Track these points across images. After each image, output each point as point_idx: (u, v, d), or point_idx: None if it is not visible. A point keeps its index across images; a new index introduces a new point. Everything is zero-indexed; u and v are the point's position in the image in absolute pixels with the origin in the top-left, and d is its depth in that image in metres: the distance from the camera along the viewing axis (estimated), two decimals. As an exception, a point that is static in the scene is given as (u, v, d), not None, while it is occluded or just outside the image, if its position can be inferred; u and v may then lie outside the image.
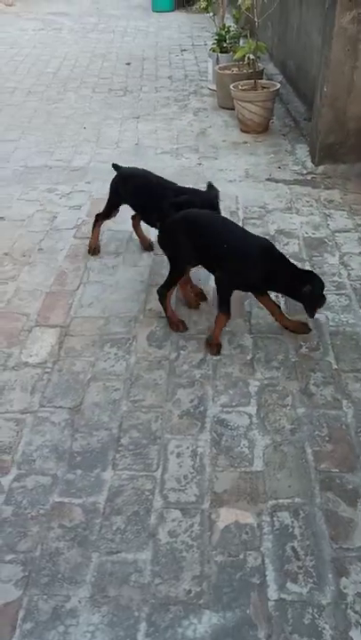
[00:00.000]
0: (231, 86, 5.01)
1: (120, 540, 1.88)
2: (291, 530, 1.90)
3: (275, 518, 1.94)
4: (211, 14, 6.14)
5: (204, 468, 2.12)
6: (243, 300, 2.99)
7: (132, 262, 3.29)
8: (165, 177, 3.25)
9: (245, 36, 5.55)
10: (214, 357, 2.63)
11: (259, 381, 2.49)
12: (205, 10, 6.01)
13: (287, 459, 2.14)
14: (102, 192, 4.08)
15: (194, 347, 2.70)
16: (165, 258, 2.83)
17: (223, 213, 3.79)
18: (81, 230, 3.66)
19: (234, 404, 2.39)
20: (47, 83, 6.55)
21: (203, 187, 4.14)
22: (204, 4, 5.88)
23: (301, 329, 2.75)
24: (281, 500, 1.99)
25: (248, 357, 2.63)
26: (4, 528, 1.93)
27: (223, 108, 5.60)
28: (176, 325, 2.80)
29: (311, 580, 1.76)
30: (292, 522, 1.92)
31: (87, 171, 4.49)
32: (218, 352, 2.64)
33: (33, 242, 3.56)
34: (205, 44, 7.72)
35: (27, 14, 10.19)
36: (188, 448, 2.20)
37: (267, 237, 3.50)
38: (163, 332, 2.80)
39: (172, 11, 10.22)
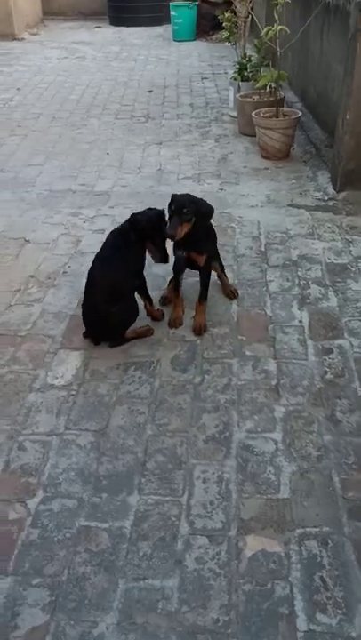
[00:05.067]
0: (253, 113, 5.08)
1: (147, 567, 1.87)
2: (319, 559, 1.88)
3: (303, 547, 1.92)
4: (232, 44, 6.26)
5: (230, 495, 2.11)
6: (266, 324, 3.00)
7: (157, 286, 3.31)
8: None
9: (267, 65, 5.65)
10: (239, 382, 2.63)
11: (284, 407, 2.49)
12: (227, 39, 6.12)
13: (314, 486, 2.13)
14: (125, 216, 4.14)
15: (218, 371, 2.70)
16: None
17: (245, 239, 3.86)
18: (105, 254, 3.69)
19: (259, 429, 2.38)
20: (71, 109, 6.69)
21: (225, 212, 4.23)
22: (225, 35, 6.00)
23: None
24: (308, 529, 1.97)
25: (273, 383, 2.63)
26: (30, 551, 1.93)
27: (244, 134, 5.67)
28: (147, 330, 2.97)
29: (341, 612, 1.74)
30: (321, 551, 1.90)
31: (110, 195, 4.55)
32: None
33: (58, 265, 3.61)
34: (226, 73, 7.85)
35: (51, 43, 10.45)
36: (213, 474, 2.19)
37: (288, 262, 3.54)
38: (186, 355, 2.81)
39: (193, 40, 10.41)
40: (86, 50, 9.84)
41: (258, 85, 4.99)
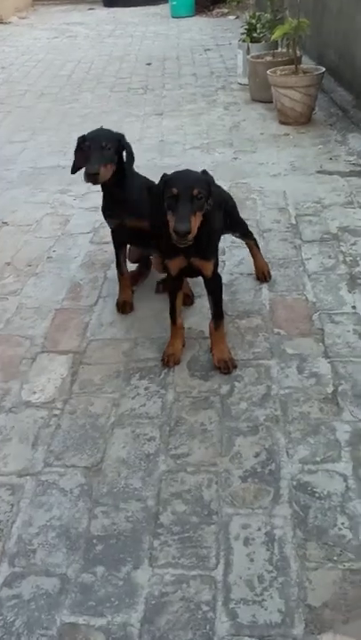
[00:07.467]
0: (268, 72, 4.38)
1: None
2: None
3: None
4: (235, 17, 5.55)
5: (287, 564, 1.41)
6: (310, 313, 2.30)
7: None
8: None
9: (280, 20, 4.94)
10: (282, 391, 1.93)
11: (349, 425, 1.79)
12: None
13: None
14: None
15: (252, 377, 2.01)
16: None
17: (270, 211, 3.17)
18: (98, 234, 3.01)
19: (318, 459, 1.68)
20: (61, 84, 6.01)
21: (242, 182, 3.55)
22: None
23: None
24: None
25: (328, 390, 1.92)
26: (-16, 672, 1.24)
27: (257, 100, 4.98)
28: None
29: None
30: None
31: (106, 169, 3.86)
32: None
33: (41, 249, 2.92)
34: (230, 44, 7.16)
35: (41, 25, 9.77)
36: (259, 529, 1.49)
37: (326, 236, 2.85)
38: (208, 356, 2.11)
39: (192, 16, 9.71)
40: (78, 30, 9.15)
41: (274, 37, 4.27)
